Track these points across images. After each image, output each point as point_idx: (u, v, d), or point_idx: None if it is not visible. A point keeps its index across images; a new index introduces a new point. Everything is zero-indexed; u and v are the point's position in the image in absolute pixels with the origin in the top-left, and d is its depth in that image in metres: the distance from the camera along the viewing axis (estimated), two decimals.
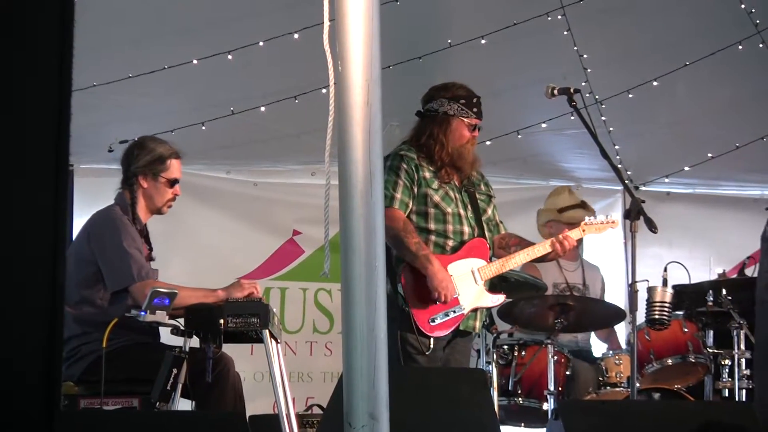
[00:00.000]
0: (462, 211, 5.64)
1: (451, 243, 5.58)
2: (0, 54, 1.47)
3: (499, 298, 5.68)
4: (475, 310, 5.60)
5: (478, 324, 5.69)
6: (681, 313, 6.38)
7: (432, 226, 5.57)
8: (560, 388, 6.52)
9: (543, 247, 5.66)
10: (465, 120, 5.61)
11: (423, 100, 5.74)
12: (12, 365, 1.44)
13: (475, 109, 5.64)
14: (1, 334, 1.43)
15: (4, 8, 1.48)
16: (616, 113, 7.80)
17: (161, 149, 5.42)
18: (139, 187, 5.36)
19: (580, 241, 7.24)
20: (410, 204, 5.56)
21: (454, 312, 5.47)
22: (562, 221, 7.30)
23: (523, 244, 5.75)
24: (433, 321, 5.43)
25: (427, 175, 5.59)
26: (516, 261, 5.67)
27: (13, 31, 1.48)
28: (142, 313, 4.68)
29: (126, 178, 5.41)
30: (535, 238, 5.82)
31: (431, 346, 5.44)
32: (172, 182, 5.42)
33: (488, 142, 7.51)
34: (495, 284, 5.77)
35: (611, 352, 6.94)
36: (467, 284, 5.53)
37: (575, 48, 7.23)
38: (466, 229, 5.62)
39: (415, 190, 5.57)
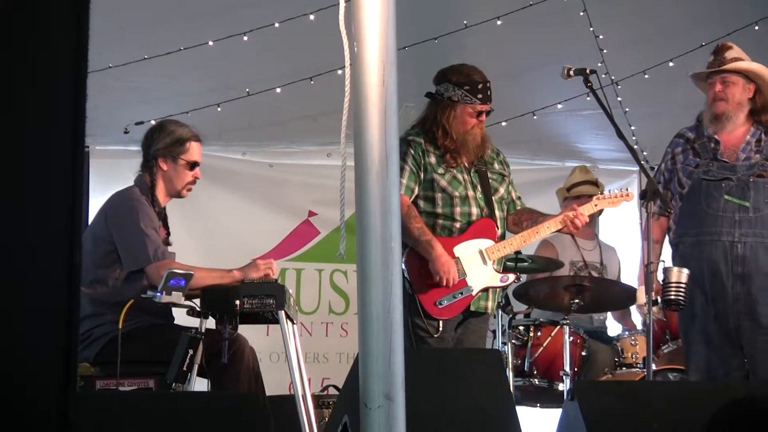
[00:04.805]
0: (471, 193, 5.61)
1: (458, 225, 5.56)
2: (15, 36, 1.47)
3: (510, 278, 5.65)
4: (485, 291, 5.58)
5: (490, 304, 5.66)
6: None
7: (439, 210, 5.55)
8: (576, 369, 6.53)
9: (554, 225, 5.60)
10: (469, 107, 5.59)
11: (434, 80, 5.70)
12: (30, 345, 1.45)
13: (480, 95, 5.54)
14: (19, 314, 1.44)
15: None
16: (632, 94, 7.77)
17: (181, 131, 5.40)
18: (158, 170, 5.33)
19: (594, 221, 7.24)
20: (416, 189, 5.54)
21: (462, 294, 5.46)
22: (571, 197, 7.31)
23: (534, 217, 5.70)
24: (440, 304, 5.42)
25: (433, 160, 5.57)
26: (526, 240, 5.64)
27: (28, 14, 1.48)
28: (158, 294, 4.68)
29: (146, 161, 5.38)
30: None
31: (440, 327, 5.43)
32: (192, 165, 5.38)
33: (504, 123, 7.51)
34: (508, 264, 5.75)
35: (627, 332, 6.94)
36: (475, 265, 5.51)
37: (591, 28, 7.20)
38: (475, 210, 5.59)
39: (422, 175, 5.55)
